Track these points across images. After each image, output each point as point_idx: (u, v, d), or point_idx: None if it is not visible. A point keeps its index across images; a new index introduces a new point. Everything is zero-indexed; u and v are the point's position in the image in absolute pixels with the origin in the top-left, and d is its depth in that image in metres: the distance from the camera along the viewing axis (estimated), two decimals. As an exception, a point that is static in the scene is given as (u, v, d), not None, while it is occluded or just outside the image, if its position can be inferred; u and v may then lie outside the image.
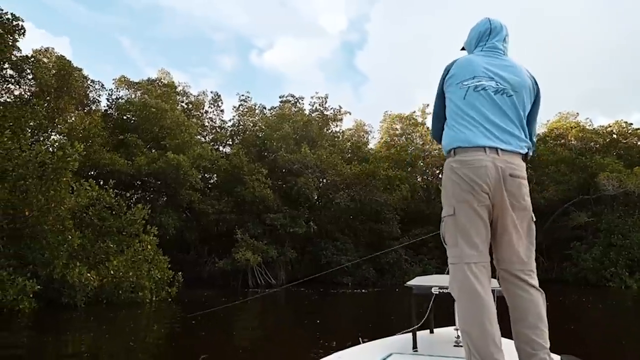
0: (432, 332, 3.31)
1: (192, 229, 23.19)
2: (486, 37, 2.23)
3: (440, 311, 3.26)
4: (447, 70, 2.17)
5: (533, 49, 66.48)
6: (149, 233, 14.49)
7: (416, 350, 2.73)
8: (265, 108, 28.57)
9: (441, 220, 2.06)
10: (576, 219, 23.87)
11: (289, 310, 14.72)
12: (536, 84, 2.18)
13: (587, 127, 28.56)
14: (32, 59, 16.93)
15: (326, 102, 28.43)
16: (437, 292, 2.66)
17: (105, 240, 13.61)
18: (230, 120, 28.92)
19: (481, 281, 1.87)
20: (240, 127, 27.99)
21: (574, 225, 24.09)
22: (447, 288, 2.11)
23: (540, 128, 30.34)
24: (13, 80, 16.75)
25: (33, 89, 17.56)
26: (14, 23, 15.05)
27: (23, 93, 17.37)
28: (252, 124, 27.66)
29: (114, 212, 14.29)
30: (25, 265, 11.47)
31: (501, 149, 1.97)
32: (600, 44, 62.65)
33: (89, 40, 64.13)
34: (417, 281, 3.03)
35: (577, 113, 29.89)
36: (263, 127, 26.43)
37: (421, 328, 3.03)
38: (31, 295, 10.80)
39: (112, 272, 12.59)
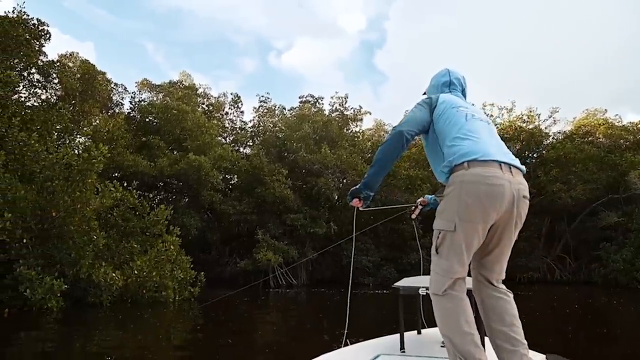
0: (419, 332, 3.30)
1: (213, 229, 23.39)
2: (446, 88, 2.35)
3: (427, 312, 3.19)
4: (436, 98, 2.21)
5: (559, 46, 65.05)
6: (171, 233, 14.62)
7: (404, 351, 2.73)
8: (284, 109, 28.66)
9: (437, 231, 2.00)
10: (605, 219, 23.14)
11: (311, 310, 14.67)
12: None
13: (617, 123, 27.65)
14: (58, 64, 17.36)
15: (346, 102, 28.30)
16: (425, 293, 2.62)
17: (130, 241, 13.79)
18: (250, 122, 29.12)
19: (460, 290, 1.94)
20: (260, 128, 28.10)
21: (602, 225, 23.36)
22: None
23: (566, 125, 29.56)
24: (40, 84, 17.18)
25: (59, 92, 17.99)
26: (40, 28, 15.44)
27: (49, 97, 17.80)
28: (272, 125, 27.74)
29: (137, 213, 14.48)
30: (53, 265, 11.70)
31: (513, 166, 1.96)
32: (629, 41, 60.79)
33: (113, 45, 65.60)
34: (405, 282, 3.03)
35: (606, 110, 28.97)
36: (283, 127, 26.47)
37: (409, 329, 3.04)
38: (59, 295, 11.00)
39: (136, 271, 12.74)
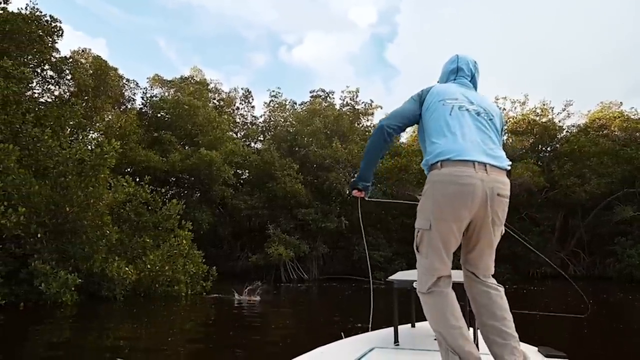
0: (413, 326, 3.33)
1: (225, 224, 23.51)
2: (453, 75, 2.33)
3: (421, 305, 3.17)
4: (427, 90, 2.21)
5: (573, 38, 63.88)
6: (183, 228, 14.71)
7: (398, 344, 2.76)
8: (295, 103, 28.55)
9: (416, 230, 2.06)
10: (621, 213, 22.71)
11: (323, 304, 14.69)
12: (501, 113, 2.30)
13: (632, 116, 27.08)
14: (71, 60, 17.50)
15: (357, 96, 28.09)
16: None
17: (142, 235, 13.89)
18: (261, 116, 29.13)
19: (444, 286, 1.97)
20: (271, 122, 28.09)
21: (618, 219, 22.95)
22: None
23: (580, 118, 29.06)
24: (53, 80, 17.36)
25: (72, 89, 18.15)
26: (53, 25, 15.55)
27: (62, 93, 17.97)
28: (282, 120, 27.70)
29: (150, 208, 14.58)
30: (67, 259, 11.83)
31: (490, 165, 1.95)
32: (645, 29, 59.35)
33: (125, 41, 66.02)
34: (399, 276, 3.04)
35: (621, 102, 28.40)
36: (294, 122, 26.40)
37: (403, 322, 3.08)
38: (73, 289, 11.14)
39: (149, 266, 12.84)
